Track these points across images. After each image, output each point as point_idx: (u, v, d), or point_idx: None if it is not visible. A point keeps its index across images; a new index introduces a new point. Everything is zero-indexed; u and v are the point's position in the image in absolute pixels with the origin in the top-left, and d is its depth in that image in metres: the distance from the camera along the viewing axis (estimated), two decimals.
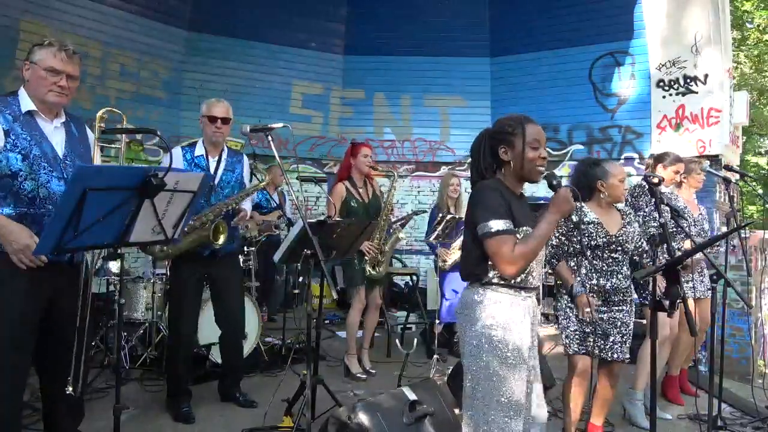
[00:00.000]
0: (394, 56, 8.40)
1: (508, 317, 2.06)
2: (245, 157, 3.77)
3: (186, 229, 3.22)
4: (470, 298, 2.12)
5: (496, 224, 2.00)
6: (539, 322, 2.29)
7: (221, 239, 3.39)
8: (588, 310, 2.91)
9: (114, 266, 4.57)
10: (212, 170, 3.51)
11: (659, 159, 3.97)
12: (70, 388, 2.27)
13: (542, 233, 2.02)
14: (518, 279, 2.08)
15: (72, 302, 2.44)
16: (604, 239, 3.02)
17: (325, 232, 3.14)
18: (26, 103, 2.36)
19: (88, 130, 2.62)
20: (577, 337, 3.03)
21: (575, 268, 3.07)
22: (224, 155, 3.60)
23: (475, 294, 2.11)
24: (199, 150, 3.54)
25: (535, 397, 2.18)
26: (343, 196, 4.41)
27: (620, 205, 3.24)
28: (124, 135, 2.67)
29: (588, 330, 3.01)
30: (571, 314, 3.04)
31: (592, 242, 3.03)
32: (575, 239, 3.05)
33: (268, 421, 3.32)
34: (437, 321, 4.81)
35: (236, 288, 3.77)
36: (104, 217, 1.93)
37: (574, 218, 2.05)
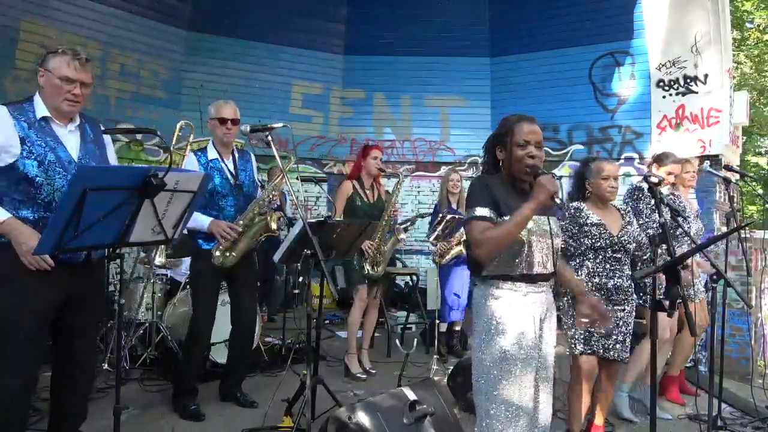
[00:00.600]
0: (394, 56, 8.39)
1: (506, 313, 2.10)
2: (252, 155, 3.81)
3: (240, 230, 3.43)
4: (477, 293, 2.21)
5: (475, 211, 2.10)
6: (553, 319, 2.28)
7: (274, 225, 3.54)
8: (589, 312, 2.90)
9: (157, 260, 4.66)
10: (232, 171, 3.57)
11: (657, 159, 3.97)
12: (106, 365, 2.27)
13: (516, 219, 2.03)
14: (508, 269, 2.09)
15: (89, 302, 2.48)
16: (607, 240, 3.01)
17: (325, 232, 3.14)
18: (41, 109, 2.39)
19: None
20: (582, 337, 3.02)
21: (577, 268, 3.06)
22: (236, 155, 3.65)
23: (480, 289, 2.19)
24: (212, 153, 3.57)
25: (545, 397, 2.19)
26: (349, 193, 4.46)
27: (619, 203, 3.22)
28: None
29: (592, 329, 2.99)
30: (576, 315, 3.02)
31: (595, 243, 3.02)
32: (579, 240, 3.03)
33: (268, 421, 3.32)
34: (437, 321, 4.82)
35: (252, 287, 3.84)
36: (104, 217, 1.94)
37: (557, 201, 2.05)
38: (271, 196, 3.57)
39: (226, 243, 3.44)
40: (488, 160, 2.28)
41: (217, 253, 3.47)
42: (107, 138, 2.64)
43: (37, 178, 2.31)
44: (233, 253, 3.49)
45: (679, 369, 4.13)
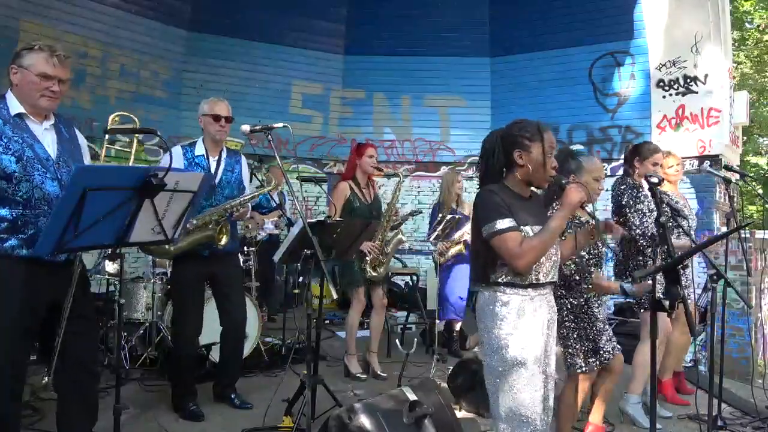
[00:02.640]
0: (394, 56, 8.39)
1: (516, 319, 2.10)
2: (243, 157, 3.78)
3: (189, 227, 3.27)
4: (482, 299, 2.19)
5: (500, 223, 2.07)
6: (554, 322, 2.28)
7: (224, 240, 3.42)
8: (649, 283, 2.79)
9: (110, 267, 4.52)
10: (213, 170, 3.52)
11: (637, 153, 3.72)
12: (46, 378, 2.26)
13: (552, 227, 2.07)
14: (525, 276, 2.11)
15: (78, 303, 2.44)
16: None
17: (324, 231, 3.14)
18: (15, 106, 2.35)
19: (77, 131, 2.62)
20: (591, 352, 2.89)
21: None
22: (223, 155, 3.61)
23: (486, 296, 2.17)
24: (200, 149, 3.54)
25: (550, 395, 2.21)
26: (347, 194, 4.37)
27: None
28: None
29: (604, 338, 2.90)
30: (588, 330, 2.88)
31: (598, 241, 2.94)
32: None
33: (268, 421, 3.32)
34: (437, 320, 4.81)
35: (238, 287, 3.80)
36: (104, 217, 1.93)
37: (588, 209, 2.06)
38: (234, 209, 3.47)
39: None
40: (498, 162, 2.20)
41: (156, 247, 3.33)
42: (82, 139, 2.61)
43: (16, 174, 2.27)
44: (171, 248, 3.33)
45: (671, 372, 4.10)
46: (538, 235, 2.07)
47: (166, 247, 3.31)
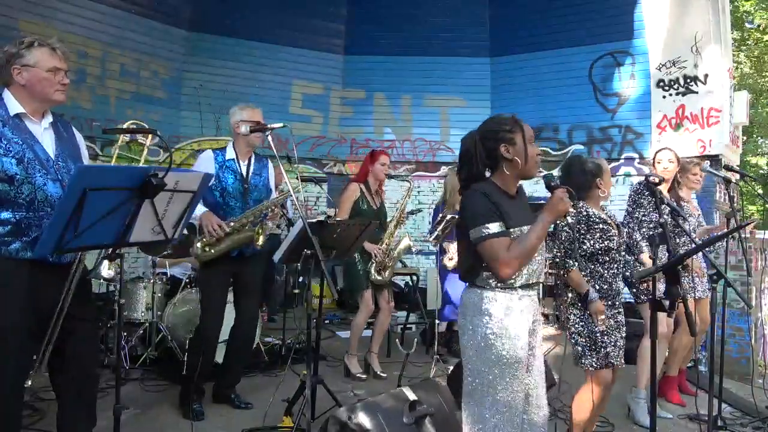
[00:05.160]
0: (394, 56, 8.39)
1: (503, 318, 2.08)
2: (270, 162, 3.83)
3: (228, 230, 3.42)
4: (468, 298, 2.16)
5: (489, 228, 2.03)
6: (540, 323, 2.29)
7: (261, 240, 3.52)
8: (603, 317, 2.80)
9: (104, 270, 4.48)
10: (244, 174, 3.61)
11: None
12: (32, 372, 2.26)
13: (535, 235, 2.04)
14: (513, 279, 2.10)
15: (79, 303, 2.44)
16: (616, 240, 2.93)
17: (325, 232, 3.14)
18: (13, 106, 2.32)
19: (75, 130, 2.61)
20: (598, 350, 2.85)
21: (585, 270, 2.91)
22: (252, 160, 3.69)
23: (473, 294, 2.14)
24: (230, 154, 3.61)
25: (534, 399, 2.18)
26: (357, 196, 4.45)
27: (603, 203, 3.15)
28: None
29: (607, 340, 2.86)
30: (592, 326, 2.84)
31: (609, 244, 2.89)
32: (587, 242, 2.92)
33: (268, 421, 3.32)
34: (437, 321, 4.81)
35: (256, 288, 3.86)
36: (104, 217, 1.93)
37: (569, 219, 2.03)
38: (268, 210, 3.57)
39: (210, 238, 3.44)
40: (481, 161, 2.16)
41: (198, 245, 3.46)
42: (80, 138, 2.60)
43: (17, 176, 2.24)
44: (212, 251, 3.47)
45: (677, 368, 4.12)
46: (522, 243, 2.03)
47: (206, 249, 3.45)
